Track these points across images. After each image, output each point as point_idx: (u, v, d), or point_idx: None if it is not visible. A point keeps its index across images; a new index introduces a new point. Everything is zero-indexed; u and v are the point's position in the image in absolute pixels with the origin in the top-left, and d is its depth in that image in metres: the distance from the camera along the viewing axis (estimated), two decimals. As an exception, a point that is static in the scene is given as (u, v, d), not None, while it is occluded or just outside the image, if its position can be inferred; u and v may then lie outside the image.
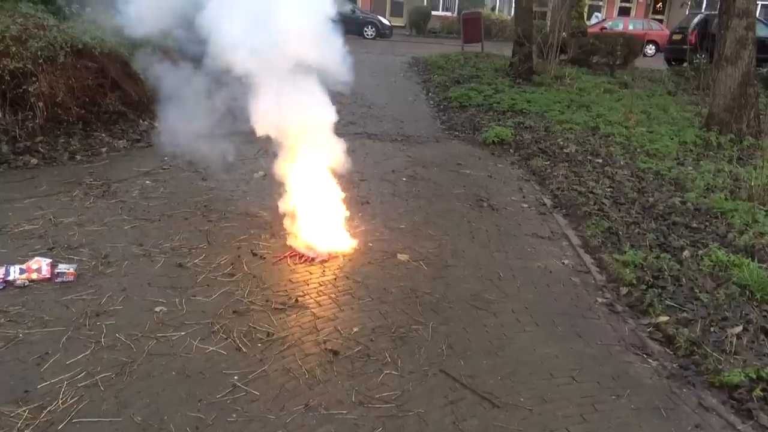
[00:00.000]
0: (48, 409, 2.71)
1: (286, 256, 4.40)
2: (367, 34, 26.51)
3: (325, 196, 4.62)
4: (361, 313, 3.73)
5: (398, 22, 33.68)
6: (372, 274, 4.27)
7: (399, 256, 4.58)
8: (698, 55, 14.15)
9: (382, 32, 27.06)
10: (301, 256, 4.41)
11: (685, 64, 16.18)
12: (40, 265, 3.84)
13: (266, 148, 4.61)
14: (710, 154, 8.06)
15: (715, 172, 7.07)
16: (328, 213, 4.65)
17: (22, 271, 3.78)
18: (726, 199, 6.06)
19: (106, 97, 7.13)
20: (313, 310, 3.73)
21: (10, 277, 3.73)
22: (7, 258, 4.01)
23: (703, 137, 8.73)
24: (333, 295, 3.93)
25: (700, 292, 4.17)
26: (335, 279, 4.16)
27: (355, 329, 3.54)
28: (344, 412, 2.85)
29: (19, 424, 2.60)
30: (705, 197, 6.14)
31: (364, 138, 8.39)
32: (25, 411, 2.68)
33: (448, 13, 35.50)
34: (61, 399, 2.78)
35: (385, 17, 30.07)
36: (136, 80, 7.69)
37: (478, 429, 2.80)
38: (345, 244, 4.64)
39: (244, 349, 3.27)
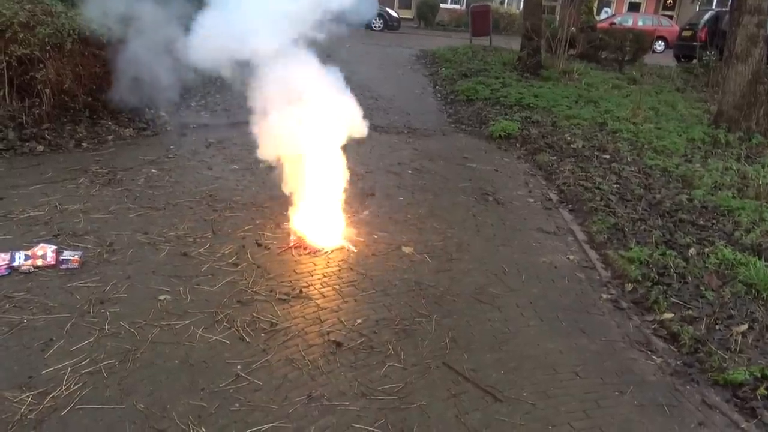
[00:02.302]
0: (51, 395, 2.72)
1: (290, 247, 4.40)
2: (375, 26, 26.39)
3: (331, 187, 4.61)
4: (364, 305, 3.73)
5: (406, 14, 33.57)
6: (376, 266, 4.27)
7: (404, 248, 4.57)
8: (708, 52, 14.07)
9: (390, 24, 26.94)
10: (306, 247, 4.41)
11: (694, 61, 16.09)
12: (45, 252, 3.85)
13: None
14: (718, 152, 8.01)
15: (723, 170, 7.03)
16: (333, 204, 4.64)
17: (27, 258, 3.79)
18: (733, 197, 6.03)
19: (113, 85, 7.12)
20: (317, 301, 3.72)
21: (15, 263, 3.74)
22: (12, 244, 4.02)
23: (712, 134, 8.68)
24: (337, 287, 3.93)
25: (705, 289, 4.15)
26: (339, 270, 4.16)
27: (359, 321, 3.54)
28: (347, 403, 2.85)
29: (22, 410, 2.61)
30: (712, 195, 6.11)
31: (370, 130, 8.27)
32: (28, 396, 2.70)
33: (457, 6, 35.38)
34: (65, 385, 2.79)
35: (393, 9, 29.94)
36: (143, 69, 7.66)
37: (481, 423, 2.79)
38: (349, 235, 4.64)
39: (247, 339, 3.27)
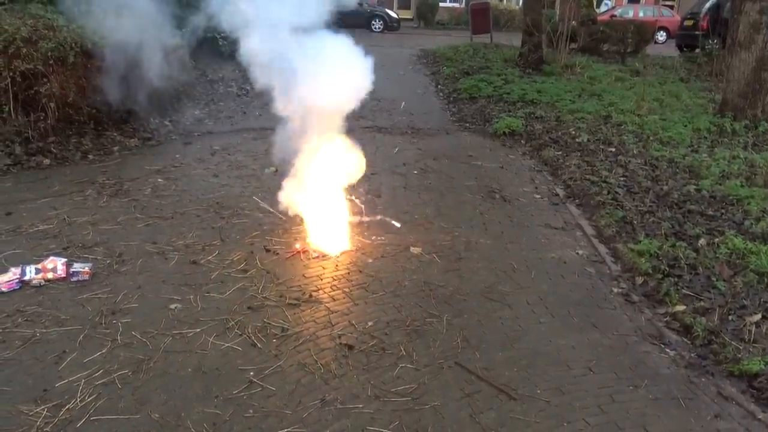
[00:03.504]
0: (66, 407, 2.74)
1: (298, 252, 4.40)
2: (375, 28, 26.44)
3: (337, 190, 4.61)
4: (375, 307, 3.73)
5: (406, 14, 33.59)
6: (385, 267, 4.26)
7: (412, 249, 4.56)
8: (710, 41, 13.98)
9: (390, 25, 26.97)
10: (314, 251, 4.41)
11: (697, 50, 15.99)
12: (56, 265, 3.87)
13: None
14: (725, 141, 7.95)
15: (730, 159, 6.98)
16: (339, 207, 4.64)
17: (37, 271, 3.81)
18: (742, 185, 5.98)
19: (117, 96, 7.15)
20: (327, 304, 3.73)
21: (26, 277, 3.76)
22: (22, 258, 4.04)
23: (717, 124, 8.62)
24: (347, 290, 3.93)
25: (717, 280, 4.13)
26: (348, 273, 4.16)
27: (370, 323, 3.54)
28: (360, 406, 2.85)
29: (38, 423, 2.63)
30: (720, 184, 6.07)
31: (374, 131, 8.37)
32: (44, 409, 2.71)
33: (456, 5, 35.35)
34: (79, 397, 2.80)
35: (392, 10, 29.97)
36: (146, 79, 7.70)
37: (495, 422, 2.79)
38: (357, 238, 4.63)
39: (259, 345, 3.27)
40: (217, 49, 9.56)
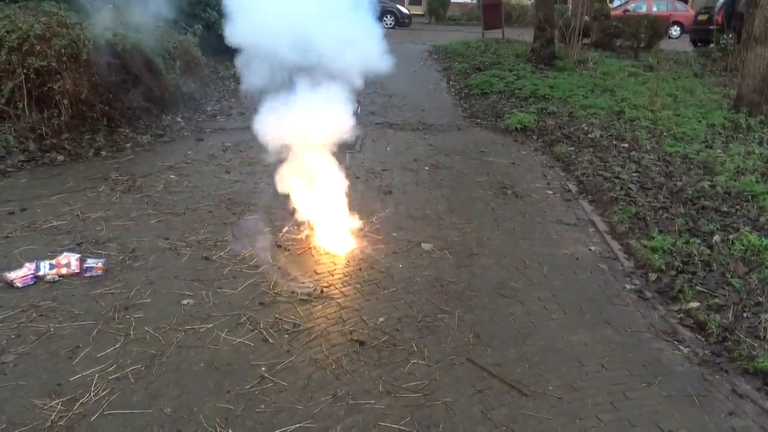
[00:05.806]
0: (80, 401, 2.76)
1: (310, 248, 4.41)
2: (386, 24, 26.39)
3: (348, 187, 4.61)
4: (386, 303, 3.73)
5: (417, 10, 33.55)
6: (396, 263, 4.26)
7: (423, 245, 4.56)
8: (725, 36, 13.83)
9: (402, 21, 26.94)
10: (325, 247, 4.41)
11: (711, 45, 15.84)
12: (69, 260, 3.90)
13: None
14: (740, 136, 7.85)
15: (745, 155, 6.90)
16: (351, 204, 4.64)
17: (51, 267, 3.84)
18: (757, 181, 5.91)
19: (129, 93, 7.20)
20: (338, 300, 3.73)
21: (41, 273, 3.79)
22: (36, 253, 4.08)
23: (732, 119, 8.52)
24: (358, 286, 3.93)
25: (731, 277, 4.09)
26: (360, 269, 4.16)
27: (381, 319, 3.54)
28: (372, 401, 2.85)
29: (52, 417, 2.65)
30: (735, 180, 6.00)
31: (385, 127, 8.37)
32: (58, 403, 2.73)
33: (468, 0, 35.21)
34: (93, 391, 2.82)
35: (404, 6, 29.91)
36: (158, 76, 7.75)
37: (507, 418, 2.78)
38: (368, 234, 4.63)
39: (270, 341, 3.28)
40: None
